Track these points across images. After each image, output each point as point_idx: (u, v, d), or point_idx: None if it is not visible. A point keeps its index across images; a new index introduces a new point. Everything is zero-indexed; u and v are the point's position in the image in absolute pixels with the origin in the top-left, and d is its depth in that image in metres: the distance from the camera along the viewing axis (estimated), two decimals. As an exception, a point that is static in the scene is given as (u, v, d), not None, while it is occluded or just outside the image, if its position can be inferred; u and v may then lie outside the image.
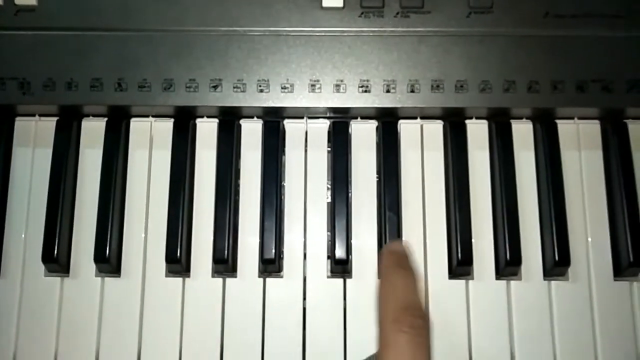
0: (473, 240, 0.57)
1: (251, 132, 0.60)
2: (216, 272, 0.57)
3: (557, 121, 0.60)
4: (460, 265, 0.56)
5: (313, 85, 0.58)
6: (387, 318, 0.46)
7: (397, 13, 0.59)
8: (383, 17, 0.59)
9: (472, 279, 0.57)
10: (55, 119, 0.60)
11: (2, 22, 0.58)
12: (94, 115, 0.60)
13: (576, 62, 0.58)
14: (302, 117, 0.60)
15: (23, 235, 0.58)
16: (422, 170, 0.59)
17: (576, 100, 0.58)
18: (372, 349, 0.54)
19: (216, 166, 0.59)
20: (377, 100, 0.58)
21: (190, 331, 0.56)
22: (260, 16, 0.58)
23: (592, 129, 0.60)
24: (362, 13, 0.59)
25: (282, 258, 0.58)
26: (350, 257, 0.57)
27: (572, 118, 0.60)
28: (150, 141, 0.60)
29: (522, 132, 0.60)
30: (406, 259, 0.51)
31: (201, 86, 0.57)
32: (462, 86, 0.58)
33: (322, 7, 0.59)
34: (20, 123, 0.60)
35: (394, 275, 0.50)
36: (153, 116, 0.60)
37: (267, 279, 0.57)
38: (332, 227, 0.57)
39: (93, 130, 0.60)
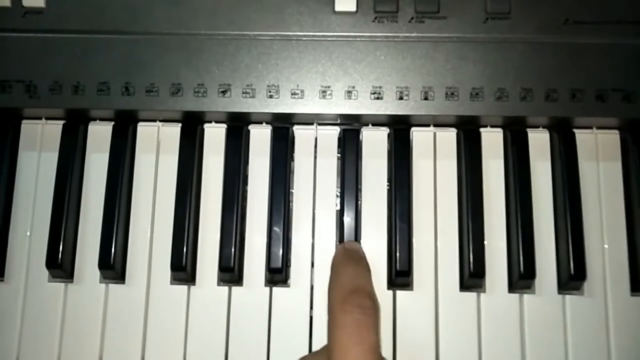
0: (485, 252, 0.56)
1: (260, 138, 0.59)
2: (222, 281, 0.57)
3: (575, 130, 0.58)
4: (472, 277, 0.55)
5: (324, 92, 0.57)
6: (335, 301, 0.47)
7: (412, 18, 0.57)
8: (397, 22, 0.57)
9: (484, 291, 0.56)
10: (62, 122, 0.59)
11: (10, 24, 0.58)
12: (101, 119, 0.60)
13: (596, 70, 0.57)
14: (312, 124, 0.59)
15: (27, 240, 0.58)
16: (434, 179, 0.58)
17: (596, 109, 0.56)
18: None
19: (224, 172, 0.58)
20: (389, 107, 0.57)
21: (195, 341, 0.56)
22: (271, 20, 0.57)
23: (611, 139, 0.59)
24: (375, 18, 0.58)
25: (290, 266, 0.57)
26: (359, 267, 0.56)
27: (591, 128, 0.59)
28: (157, 146, 0.59)
29: (539, 142, 0.59)
30: (359, 255, 0.53)
31: (210, 91, 0.57)
32: (477, 94, 0.57)
33: (334, 12, 0.58)
34: (27, 126, 0.60)
35: (344, 265, 0.51)
36: (160, 121, 0.60)
37: (274, 288, 0.56)
38: (340, 236, 0.57)
39: (100, 135, 0.59)
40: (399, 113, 0.57)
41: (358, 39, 0.57)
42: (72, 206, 0.57)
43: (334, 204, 0.58)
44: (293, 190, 0.58)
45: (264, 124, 0.59)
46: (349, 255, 0.53)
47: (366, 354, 0.44)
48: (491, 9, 0.57)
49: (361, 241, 0.57)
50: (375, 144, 0.59)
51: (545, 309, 0.56)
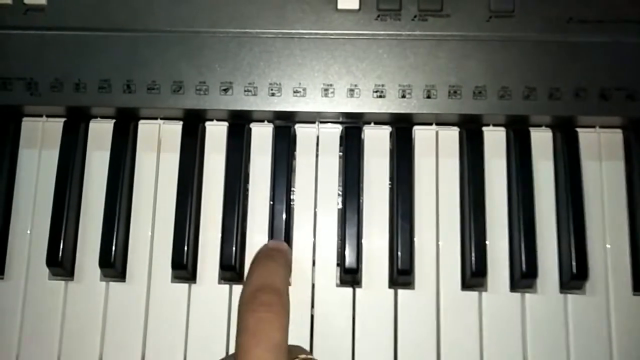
0: (487, 251, 0.56)
1: (261, 136, 0.59)
2: (223, 279, 0.57)
3: (578, 129, 0.58)
4: (474, 276, 0.55)
5: (326, 90, 0.57)
6: (242, 301, 0.45)
7: (415, 16, 0.57)
8: (400, 20, 0.57)
9: (486, 290, 0.56)
10: (63, 120, 0.59)
11: (11, 21, 0.57)
12: (102, 117, 0.59)
13: (600, 69, 0.56)
14: (314, 122, 0.59)
15: (28, 238, 0.57)
16: (436, 178, 0.58)
17: (599, 108, 0.56)
18: (381, 360, 0.54)
19: (225, 171, 0.58)
20: (392, 105, 0.56)
21: (196, 339, 0.55)
22: (273, 18, 0.57)
23: (614, 138, 0.59)
24: (378, 16, 0.57)
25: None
26: (360, 266, 0.56)
27: (594, 126, 0.58)
28: (158, 144, 0.59)
29: (541, 141, 0.58)
30: (280, 255, 0.51)
31: (211, 89, 0.56)
32: (480, 92, 0.56)
33: (337, 9, 0.57)
34: (27, 124, 0.60)
35: (258, 263, 0.49)
36: (162, 119, 0.59)
37: (275, 287, 0.56)
38: (342, 235, 0.56)
39: (101, 132, 0.59)
40: (402, 111, 0.56)
41: (361, 37, 0.57)
42: (73, 204, 0.57)
43: (336, 202, 0.58)
44: (294, 189, 0.58)
45: (266, 122, 0.59)
46: (267, 253, 0.52)
47: (266, 353, 0.42)
48: (495, 7, 0.57)
49: (363, 240, 0.56)
50: (377, 142, 0.59)
51: (547, 308, 0.55)
